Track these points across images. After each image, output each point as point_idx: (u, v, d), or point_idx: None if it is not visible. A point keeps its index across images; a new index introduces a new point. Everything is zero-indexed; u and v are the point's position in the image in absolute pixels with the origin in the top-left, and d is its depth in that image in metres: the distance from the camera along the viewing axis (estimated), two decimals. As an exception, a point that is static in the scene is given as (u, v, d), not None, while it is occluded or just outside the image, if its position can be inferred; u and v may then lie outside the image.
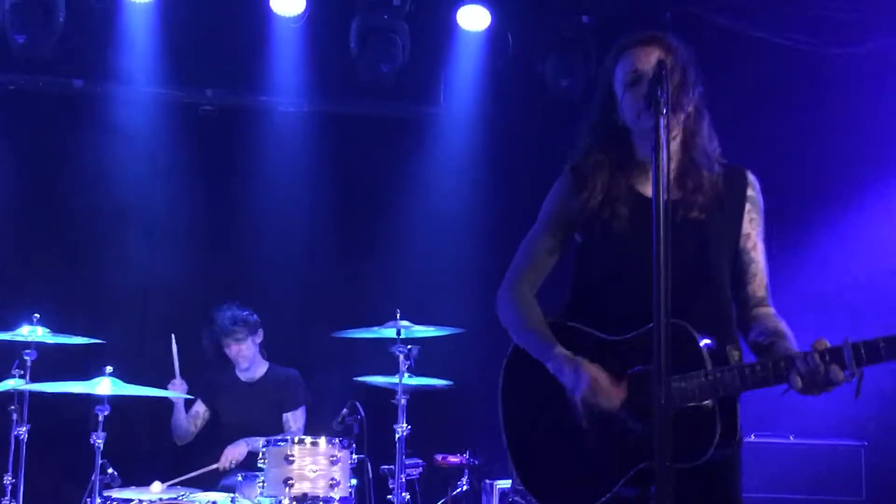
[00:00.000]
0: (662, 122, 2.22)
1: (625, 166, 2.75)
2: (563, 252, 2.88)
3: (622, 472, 2.57)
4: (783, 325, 2.67)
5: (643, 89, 2.55)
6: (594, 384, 2.57)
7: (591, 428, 2.62)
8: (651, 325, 2.42)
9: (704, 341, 2.52)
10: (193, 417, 5.89)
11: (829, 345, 2.39)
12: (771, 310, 2.74)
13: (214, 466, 5.49)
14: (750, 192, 2.75)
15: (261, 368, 5.99)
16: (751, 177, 2.77)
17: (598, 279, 2.75)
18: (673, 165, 2.66)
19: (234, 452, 5.56)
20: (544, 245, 2.86)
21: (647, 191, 2.70)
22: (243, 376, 5.97)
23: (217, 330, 5.84)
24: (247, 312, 5.86)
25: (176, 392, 5.57)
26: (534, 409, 2.75)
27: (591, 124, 2.81)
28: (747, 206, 2.73)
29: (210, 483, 5.40)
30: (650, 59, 2.63)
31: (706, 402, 2.47)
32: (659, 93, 2.22)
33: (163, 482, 4.84)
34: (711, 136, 2.73)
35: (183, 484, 5.07)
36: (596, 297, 2.74)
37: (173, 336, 5.63)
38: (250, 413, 5.78)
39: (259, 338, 5.91)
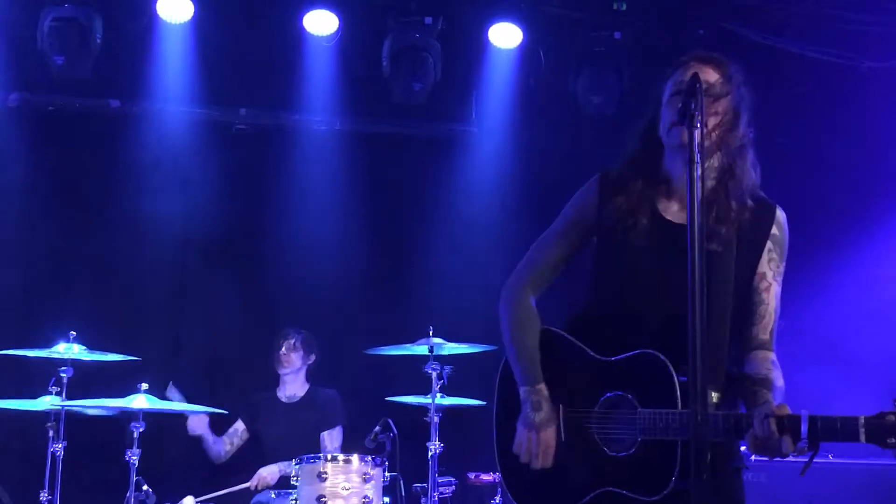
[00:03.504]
0: (696, 137, 2.20)
1: (651, 183, 2.70)
2: (573, 259, 2.83)
3: (580, 495, 2.59)
4: (774, 375, 2.58)
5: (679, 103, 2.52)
6: (538, 449, 2.63)
7: (563, 445, 2.65)
8: (637, 351, 2.53)
9: (681, 379, 2.46)
10: (230, 436, 5.92)
11: (788, 412, 2.32)
12: (771, 355, 2.64)
13: (245, 486, 5.52)
14: (775, 231, 2.65)
15: (301, 389, 6.02)
16: (780, 214, 2.66)
17: (605, 293, 2.72)
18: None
19: (266, 475, 5.57)
20: (556, 248, 2.83)
21: (667, 214, 2.67)
22: (284, 396, 6.01)
23: (280, 334, 5.97)
24: (311, 337, 6.02)
25: (199, 420, 5.63)
26: (516, 418, 2.74)
27: (635, 136, 2.75)
28: (768, 245, 2.64)
29: (243, 501, 5.41)
30: (702, 75, 2.54)
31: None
32: (693, 107, 2.20)
33: (195, 498, 4.86)
34: (752, 169, 2.64)
35: (214, 500, 5.09)
36: (599, 309, 2.72)
37: (171, 383, 5.61)
38: (289, 433, 5.80)
39: (310, 360, 6.01)
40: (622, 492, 2.52)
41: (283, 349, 5.94)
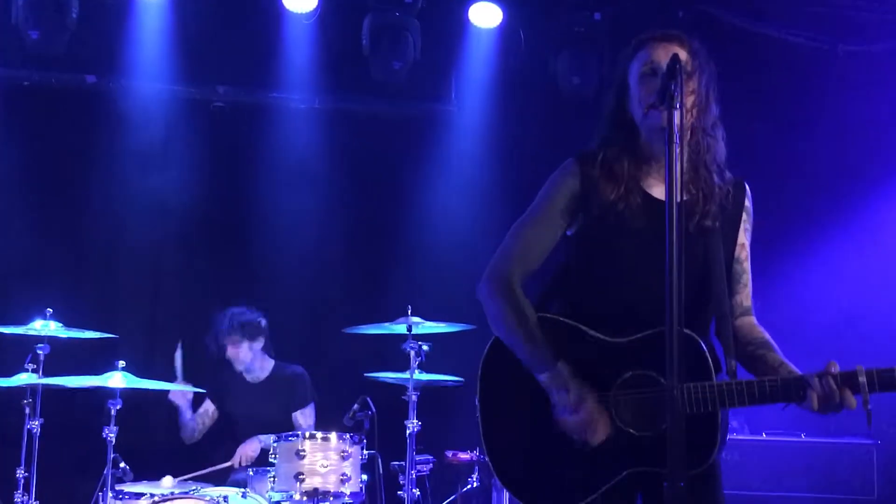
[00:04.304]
0: (676, 117, 2.21)
1: (636, 164, 2.70)
2: (554, 246, 2.78)
3: (607, 477, 2.55)
4: (768, 336, 2.70)
5: (656, 84, 2.49)
6: (588, 425, 2.55)
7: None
8: (654, 330, 2.51)
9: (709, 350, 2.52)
10: (201, 416, 5.86)
11: (839, 369, 2.41)
12: (754, 319, 2.76)
13: (228, 464, 5.50)
14: (747, 203, 2.77)
15: (266, 368, 5.91)
16: (747, 187, 2.79)
17: (599, 275, 2.69)
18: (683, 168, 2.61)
19: (248, 450, 5.56)
20: (541, 235, 2.75)
21: (654, 191, 2.68)
22: (249, 377, 5.91)
23: (215, 331, 5.81)
24: (251, 316, 5.80)
25: (181, 392, 5.60)
26: (515, 406, 2.70)
27: (604, 117, 2.76)
28: (744, 216, 2.75)
29: (220, 478, 5.41)
30: (669, 53, 2.53)
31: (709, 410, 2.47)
32: (672, 87, 2.21)
33: (174, 477, 4.86)
34: (722, 146, 2.70)
35: (194, 480, 5.09)
36: (594, 293, 2.68)
37: (180, 343, 5.60)
38: (259, 412, 5.75)
39: (259, 344, 5.81)
40: (657, 470, 2.42)
41: (229, 352, 5.76)
